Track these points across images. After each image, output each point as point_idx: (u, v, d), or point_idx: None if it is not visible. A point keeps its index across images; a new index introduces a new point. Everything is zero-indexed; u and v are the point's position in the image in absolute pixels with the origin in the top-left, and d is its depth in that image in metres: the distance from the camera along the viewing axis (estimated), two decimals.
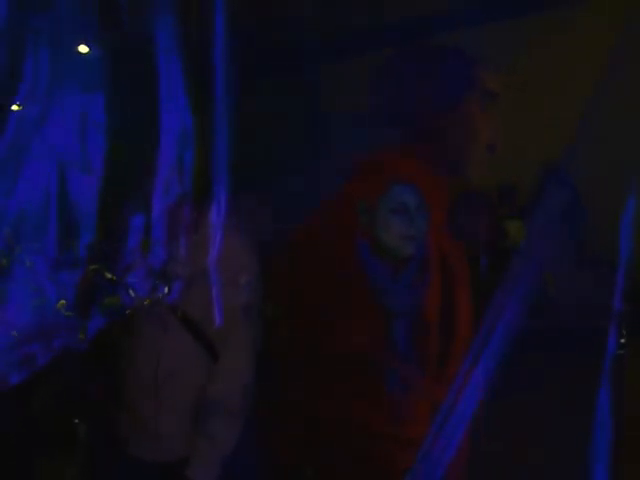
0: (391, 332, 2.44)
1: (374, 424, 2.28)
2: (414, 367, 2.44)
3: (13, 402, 2.30)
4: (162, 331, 2.23)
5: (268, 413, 2.24)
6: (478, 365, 2.12)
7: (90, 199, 2.05)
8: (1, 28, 1.84)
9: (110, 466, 2.38)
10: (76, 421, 2.47)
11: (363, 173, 2.40)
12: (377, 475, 2.26)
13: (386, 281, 2.47)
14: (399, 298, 2.47)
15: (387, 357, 2.41)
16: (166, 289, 2.13)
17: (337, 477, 2.26)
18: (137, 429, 2.29)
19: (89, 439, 2.51)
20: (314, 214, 2.33)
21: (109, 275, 2.11)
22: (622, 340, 2.07)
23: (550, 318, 2.27)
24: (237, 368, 2.25)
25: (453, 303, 2.30)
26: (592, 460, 2.02)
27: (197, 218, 2.21)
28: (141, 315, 2.22)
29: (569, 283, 2.29)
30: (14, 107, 1.92)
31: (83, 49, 1.91)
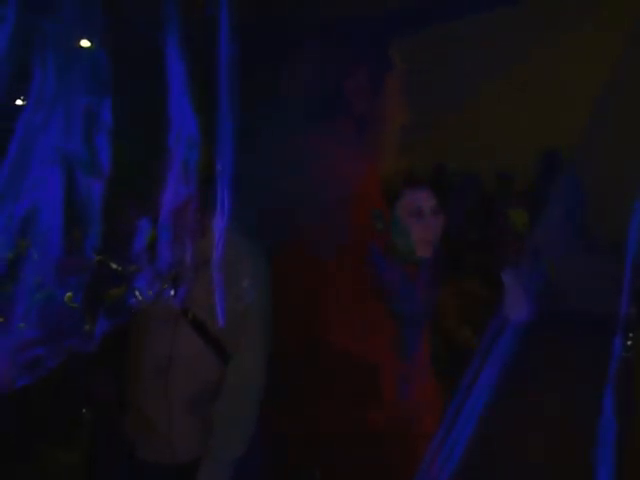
0: (403, 339, 2.44)
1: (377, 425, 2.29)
2: (424, 372, 2.45)
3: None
4: (172, 333, 2.23)
5: (275, 413, 2.24)
6: (486, 364, 2.13)
7: (96, 201, 2.05)
8: (9, 30, 1.84)
9: (116, 469, 2.38)
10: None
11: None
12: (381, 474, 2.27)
13: (401, 287, 2.47)
14: (413, 305, 2.48)
15: (398, 364, 2.42)
16: (172, 292, 2.13)
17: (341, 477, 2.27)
18: (146, 431, 2.29)
19: (94, 437, 2.52)
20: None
21: (115, 266, 2.11)
22: (629, 342, 2.07)
23: (550, 303, 2.26)
24: (249, 370, 2.25)
25: None
26: (596, 462, 2.02)
27: (203, 220, 2.21)
28: (149, 317, 2.22)
29: (570, 268, 2.29)
30: (21, 109, 1.91)
31: (85, 43, 1.91)
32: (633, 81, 2.23)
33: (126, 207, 2.11)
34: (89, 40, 1.88)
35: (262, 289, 2.28)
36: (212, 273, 2.09)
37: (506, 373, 2.05)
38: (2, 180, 1.95)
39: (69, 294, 2.06)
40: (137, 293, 2.08)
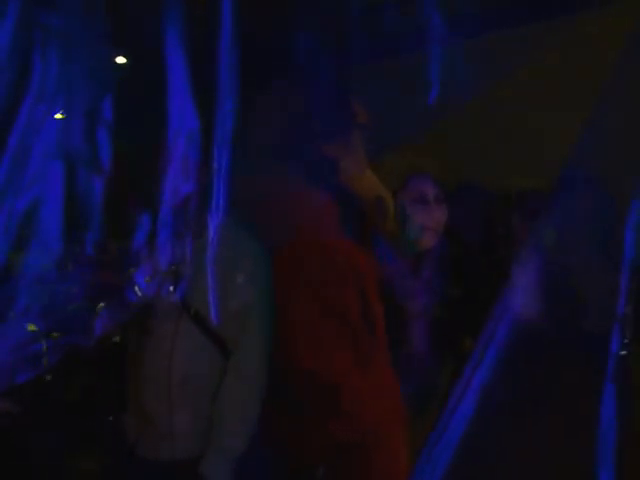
0: (409, 332, 2.46)
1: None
2: (430, 364, 2.46)
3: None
4: (174, 330, 2.23)
5: (277, 411, 2.25)
6: (480, 367, 2.14)
7: (97, 198, 2.06)
8: (11, 26, 1.86)
9: (119, 467, 2.39)
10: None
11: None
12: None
13: (405, 280, 2.49)
14: (418, 297, 2.50)
15: (405, 357, 2.43)
16: (172, 288, 2.14)
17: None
18: (148, 429, 2.29)
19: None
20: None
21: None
22: (625, 341, 2.08)
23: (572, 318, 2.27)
24: (250, 369, 2.25)
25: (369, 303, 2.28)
26: (597, 461, 2.03)
27: (203, 218, 2.21)
28: (150, 314, 2.23)
29: (595, 285, 2.30)
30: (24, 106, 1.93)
31: (121, 60, 1.94)
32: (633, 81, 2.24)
33: (127, 204, 2.12)
34: (92, 39, 1.89)
35: (262, 287, 2.28)
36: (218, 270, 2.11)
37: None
38: (3, 175, 1.96)
39: (101, 305, 2.09)
40: (137, 289, 2.08)
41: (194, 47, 2.09)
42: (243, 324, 2.24)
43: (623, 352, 2.06)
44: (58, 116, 1.93)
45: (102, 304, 2.11)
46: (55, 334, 2.07)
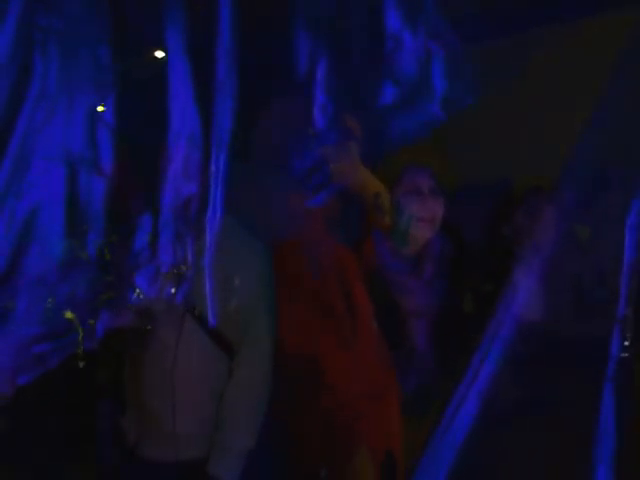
0: (411, 332, 2.48)
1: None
2: (432, 365, 2.48)
3: None
4: (177, 332, 2.23)
5: (284, 414, 2.26)
6: (483, 367, 2.14)
7: (99, 199, 2.06)
8: (11, 30, 1.85)
9: (118, 467, 2.39)
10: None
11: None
12: None
13: (404, 277, 2.51)
14: (418, 297, 2.52)
15: (406, 357, 2.45)
16: (174, 290, 2.14)
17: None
18: (150, 430, 2.29)
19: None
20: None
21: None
22: (626, 343, 2.09)
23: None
24: (257, 362, 2.26)
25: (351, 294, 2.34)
26: (595, 461, 2.04)
27: (204, 219, 2.21)
28: (152, 315, 2.23)
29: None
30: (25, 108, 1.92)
31: (160, 54, 1.95)
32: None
33: (128, 205, 2.11)
34: (94, 39, 1.89)
35: (266, 285, 2.29)
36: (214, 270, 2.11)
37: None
38: (3, 177, 1.96)
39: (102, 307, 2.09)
40: (138, 291, 2.08)
41: (194, 48, 2.09)
42: (248, 322, 2.25)
43: (624, 354, 2.07)
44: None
45: (104, 306, 2.10)
46: (57, 337, 2.07)
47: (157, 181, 2.10)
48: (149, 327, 2.28)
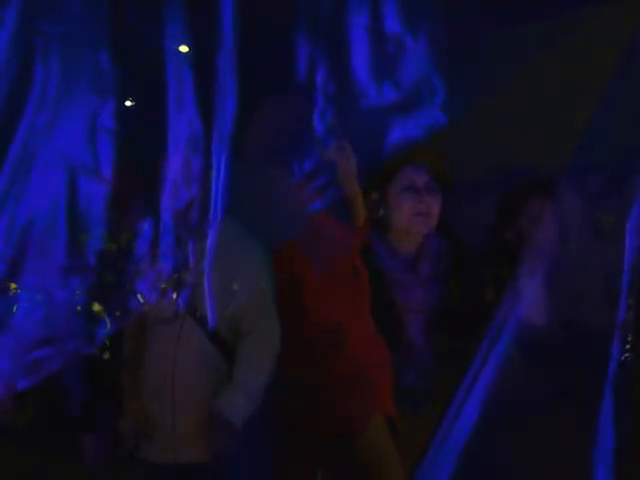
0: (408, 329, 2.50)
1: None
2: (429, 362, 2.50)
3: None
4: (177, 335, 2.23)
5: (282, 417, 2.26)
6: (482, 372, 2.15)
7: (99, 204, 2.05)
8: (11, 36, 1.84)
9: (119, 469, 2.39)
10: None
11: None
12: None
13: (402, 274, 2.53)
14: (415, 293, 2.54)
15: (404, 353, 2.47)
16: (175, 294, 2.13)
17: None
18: (150, 431, 2.29)
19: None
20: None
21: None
22: (627, 345, 2.10)
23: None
24: (267, 333, 2.26)
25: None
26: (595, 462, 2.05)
27: (205, 221, 2.21)
28: (152, 318, 2.22)
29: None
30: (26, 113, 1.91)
31: (184, 49, 1.94)
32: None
33: (129, 210, 2.10)
34: (95, 45, 1.87)
35: (266, 283, 2.29)
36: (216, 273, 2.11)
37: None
38: (4, 182, 1.95)
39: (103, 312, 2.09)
40: (139, 296, 2.08)
41: (195, 50, 2.07)
42: (249, 319, 2.25)
43: (625, 356, 2.08)
44: None
45: (104, 311, 2.10)
46: (57, 341, 2.06)
47: (158, 185, 2.09)
48: (148, 331, 2.29)
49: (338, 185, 2.23)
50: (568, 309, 2.32)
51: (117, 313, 2.11)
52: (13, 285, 2.03)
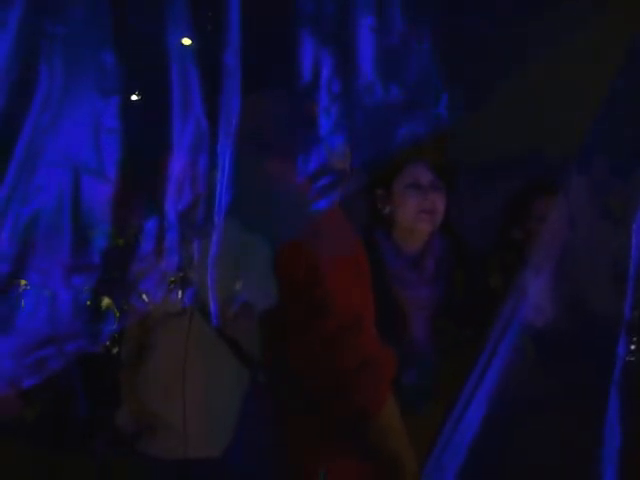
0: (411, 326, 2.50)
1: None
2: (430, 357, 2.51)
3: None
4: (185, 333, 2.23)
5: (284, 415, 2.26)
6: (489, 369, 2.15)
7: (104, 204, 2.04)
8: (15, 36, 1.83)
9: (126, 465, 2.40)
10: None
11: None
12: None
13: (405, 272, 2.54)
14: (418, 291, 2.55)
15: (407, 351, 2.48)
16: (180, 293, 2.13)
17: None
18: (158, 428, 2.30)
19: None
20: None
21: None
22: (632, 347, 2.10)
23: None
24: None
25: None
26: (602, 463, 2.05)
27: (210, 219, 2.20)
28: (157, 316, 2.22)
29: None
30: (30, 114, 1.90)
31: (187, 41, 1.93)
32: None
33: (133, 209, 2.10)
34: (99, 44, 1.86)
35: (269, 280, 2.30)
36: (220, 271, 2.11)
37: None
38: (9, 182, 1.94)
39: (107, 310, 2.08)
40: (144, 296, 2.07)
41: (199, 48, 2.06)
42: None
43: (630, 358, 2.08)
44: None
45: (109, 310, 2.10)
46: (61, 341, 2.05)
47: (162, 184, 2.08)
48: (154, 328, 2.29)
49: (343, 185, 2.22)
50: (576, 298, 2.32)
51: (122, 312, 2.11)
52: (23, 282, 2.03)
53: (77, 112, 1.97)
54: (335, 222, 2.28)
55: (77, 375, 2.39)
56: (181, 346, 2.23)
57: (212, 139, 2.08)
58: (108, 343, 2.31)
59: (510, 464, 2.24)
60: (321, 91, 2.12)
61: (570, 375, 2.21)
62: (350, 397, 2.23)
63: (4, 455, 2.48)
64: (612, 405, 2.04)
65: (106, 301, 2.10)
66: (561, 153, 2.65)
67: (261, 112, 2.24)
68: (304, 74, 2.12)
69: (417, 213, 2.60)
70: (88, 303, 2.07)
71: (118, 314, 2.12)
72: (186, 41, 2.03)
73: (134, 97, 2.04)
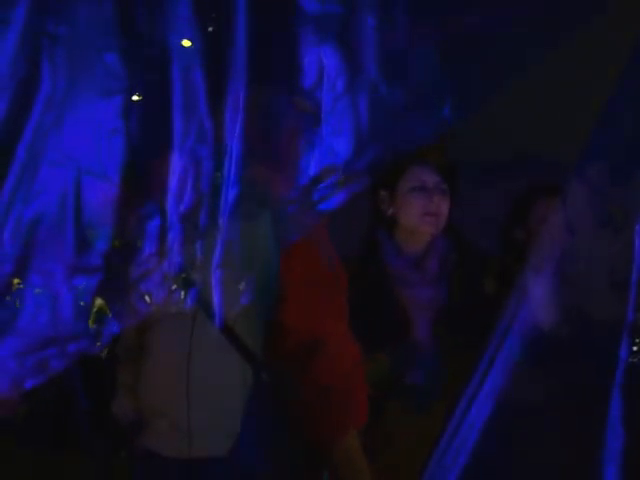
0: (414, 326, 2.50)
1: None
2: (435, 357, 2.51)
3: None
4: (189, 332, 2.23)
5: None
6: (490, 372, 2.15)
7: (106, 205, 2.04)
8: (18, 37, 1.82)
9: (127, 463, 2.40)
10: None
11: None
12: None
13: (408, 272, 2.54)
14: (421, 291, 2.55)
15: (410, 351, 2.48)
16: (182, 294, 2.13)
17: None
18: (162, 426, 2.30)
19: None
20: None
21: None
22: (635, 348, 2.10)
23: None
24: None
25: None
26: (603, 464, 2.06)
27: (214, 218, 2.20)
28: (158, 316, 2.22)
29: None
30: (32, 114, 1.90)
31: (186, 43, 1.92)
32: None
33: (136, 210, 2.09)
34: (102, 45, 1.86)
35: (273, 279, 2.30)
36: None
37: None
38: (11, 182, 1.93)
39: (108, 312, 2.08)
40: (146, 297, 2.07)
41: (204, 46, 2.05)
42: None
43: (632, 359, 2.08)
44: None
45: (110, 311, 2.09)
46: (62, 342, 2.05)
47: (164, 184, 2.08)
48: (155, 328, 2.29)
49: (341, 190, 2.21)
50: (574, 303, 2.32)
51: (124, 313, 2.10)
52: (25, 283, 2.02)
53: (80, 113, 1.96)
54: (323, 237, 2.27)
55: (78, 376, 2.40)
56: (185, 346, 2.23)
57: (217, 139, 2.07)
58: (110, 344, 2.31)
59: (511, 465, 2.24)
60: (324, 91, 2.12)
61: (571, 377, 2.21)
62: (309, 424, 2.23)
63: (4, 455, 2.48)
64: (614, 406, 2.04)
65: (108, 302, 2.09)
66: (562, 153, 2.66)
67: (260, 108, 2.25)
68: (307, 74, 2.12)
69: (422, 216, 2.61)
70: (90, 304, 2.06)
71: (120, 315, 2.11)
72: (189, 42, 2.02)
73: (137, 97, 2.02)
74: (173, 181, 2.08)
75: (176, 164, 2.07)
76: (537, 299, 2.18)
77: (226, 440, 2.26)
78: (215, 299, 2.11)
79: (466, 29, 2.22)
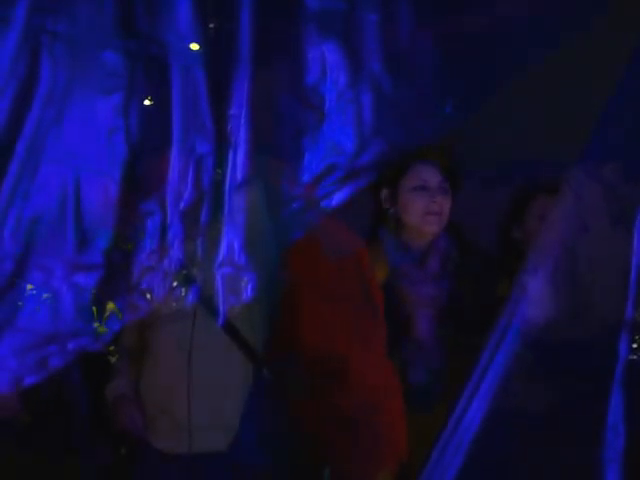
0: (417, 324, 2.50)
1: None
2: (437, 356, 2.50)
3: None
4: (190, 329, 2.24)
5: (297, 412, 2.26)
6: (488, 371, 2.15)
7: (106, 202, 2.04)
8: (18, 34, 1.83)
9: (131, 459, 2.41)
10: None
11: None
12: None
13: (410, 269, 2.53)
14: (423, 288, 2.54)
15: (414, 350, 2.47)
16: (183, 290, 2.13)
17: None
18: (162, 422, 2.31)
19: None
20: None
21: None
22: (635, 345, 2.10)
23: None
24: None
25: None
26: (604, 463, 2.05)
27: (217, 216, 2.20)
28: (159, 313, 2.23)
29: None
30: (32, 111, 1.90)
31: (195, 46, 1.92)
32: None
33: (136, 207, 2.09)
34: (103, 42, 1.86)
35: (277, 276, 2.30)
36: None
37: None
38: (11, 180, 1.94)
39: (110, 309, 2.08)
40: (147, 294, 2.07)
41: (206, 45, 2.06)
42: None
43: (632, 357, 2.08)
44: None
45: (111, 309, 2.09)
46: (63, 339, 2.05)
47: (165, 182, 2.08)
48: (156, 325, 2.30)
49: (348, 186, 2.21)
50: (583, 303, 2.31)
51: (124, 310, 2.10)
52: (26, 280, 2.02)
53: (80, 111, 1.96)
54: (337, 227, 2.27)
55: (79, 374, 2.40)
56: (186, 343, 2.24)
57: (219, 138, 2.07)
58: (110, 342, 2.32)
59: (511, 464, 2.24)
60: (327, 87, 2.12)
61: (571, 377, 2.21)
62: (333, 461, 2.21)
63: (4, 456, 2.48)
64: (615, 405, 2.04)
65: (108, 299, 2.09)
66: (562, 153, 2.65)
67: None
68: (310, 70, 2.12)
69: (424, 215, 2.60)
70: (90, 301, 2.06)
71: (120, 313, 2.11)
72: (197, 45, 2.02)
73: (138, 96, 2.02)
74: (173, 178, 2.08)
75: (176, 161, 2.07)
76: (536, 297, 2.18)
77: (226, 436, 2.27)
78: (217, 296, 2.11)
79: (466, 29, 2.22)
